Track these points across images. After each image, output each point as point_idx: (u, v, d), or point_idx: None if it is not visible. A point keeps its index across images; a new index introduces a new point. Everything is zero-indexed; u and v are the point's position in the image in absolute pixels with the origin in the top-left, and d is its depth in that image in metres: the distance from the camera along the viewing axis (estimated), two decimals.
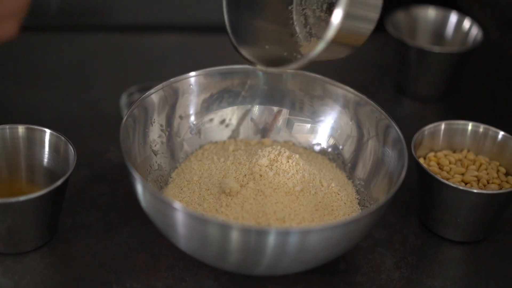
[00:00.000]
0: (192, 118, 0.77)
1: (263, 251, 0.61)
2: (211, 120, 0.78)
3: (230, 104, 0.78)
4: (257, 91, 0.78)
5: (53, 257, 0.70)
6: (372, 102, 0.74)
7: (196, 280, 0.68)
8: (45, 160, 0.72)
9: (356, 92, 0.75)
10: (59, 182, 0.67)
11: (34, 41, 1.01)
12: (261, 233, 0.60)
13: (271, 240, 0.60)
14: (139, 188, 0.64)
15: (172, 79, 0.74)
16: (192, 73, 0.75)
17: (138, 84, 0.89)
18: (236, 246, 0.61)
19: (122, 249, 0.71)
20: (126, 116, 0.69)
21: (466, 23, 0.99)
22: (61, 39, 1.04)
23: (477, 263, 0.73)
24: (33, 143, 0.72)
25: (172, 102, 0.75)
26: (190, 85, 0.76)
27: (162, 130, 0.75)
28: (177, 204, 0.61)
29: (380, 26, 0.96)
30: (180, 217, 0.61)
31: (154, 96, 0.73)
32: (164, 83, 0.74)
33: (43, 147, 0.72)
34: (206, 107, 0.78)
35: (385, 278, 0.70)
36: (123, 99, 0.88)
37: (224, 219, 0.66)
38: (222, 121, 0.78)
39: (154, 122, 0.74)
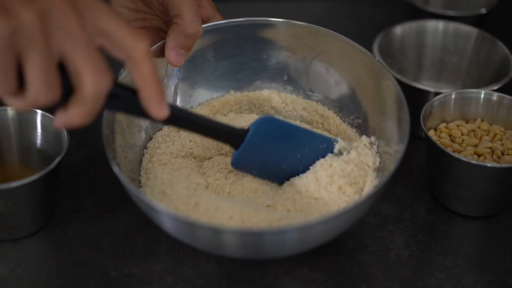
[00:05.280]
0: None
1: (260, 250, 0.60)
2: None
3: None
4: None
5: (49, 243, 0.68)
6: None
7: (196, 263, 0.66)
8: (38, 142, 0.70)
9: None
10: (52, 166, 0.65)
11: None
12: (257, 235, 0.58)
13: (268, 238, 0.58)
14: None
15: None
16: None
17: None
18: (230, 248, 0.60)
19: (121, 233, 0.69)
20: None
21: None
22: None
23: (491, 239, 0.70)
24: (24, 125, 0.70)
25: None
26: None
27: None
28: (162, 207, 0.59)
29: None
30: (167, 222, 0.60)
31: None
32: None
33: (35, 128, 0.70)
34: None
35: (394, 257, 0.67)
36: (122, 74, 0.85)
37: (217, 223, 0.62)
38: None
39: None
